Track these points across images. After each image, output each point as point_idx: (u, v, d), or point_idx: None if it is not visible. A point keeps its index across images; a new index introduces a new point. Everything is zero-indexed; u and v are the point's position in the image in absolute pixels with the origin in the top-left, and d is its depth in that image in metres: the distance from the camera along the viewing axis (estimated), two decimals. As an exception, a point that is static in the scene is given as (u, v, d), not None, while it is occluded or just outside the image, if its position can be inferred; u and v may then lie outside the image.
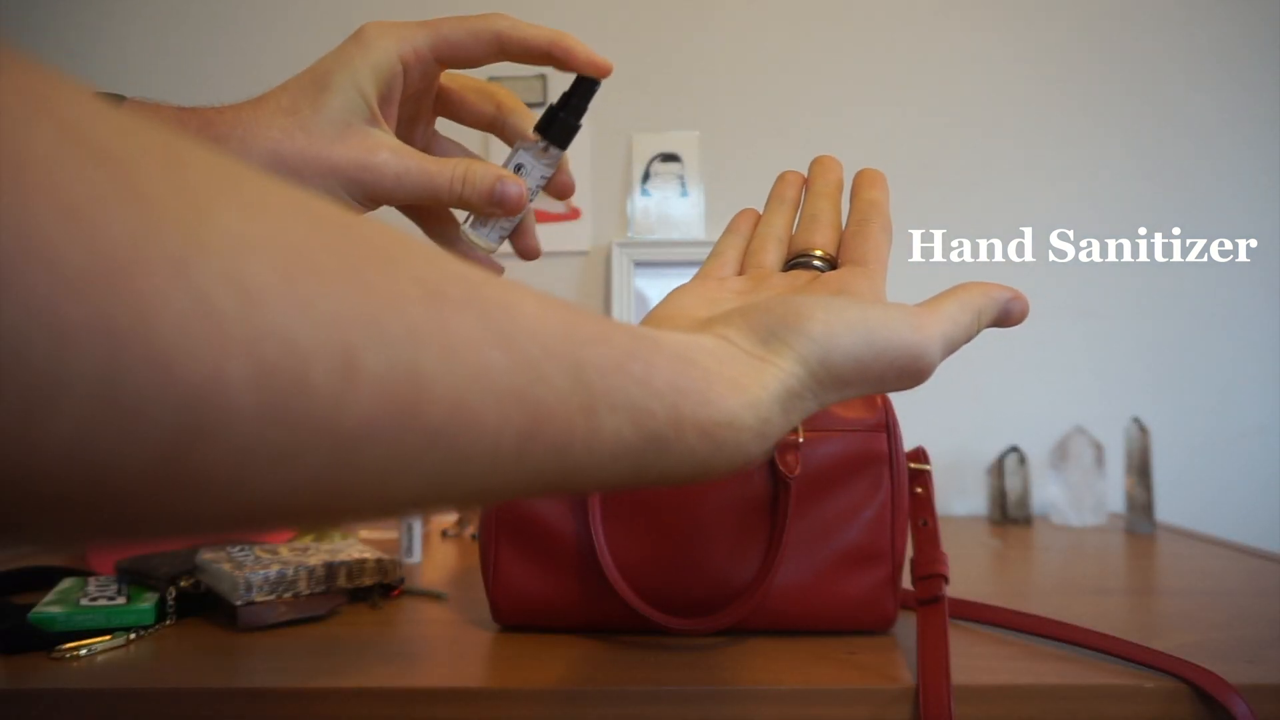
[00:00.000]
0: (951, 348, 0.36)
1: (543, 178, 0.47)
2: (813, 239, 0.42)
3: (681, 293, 0.40)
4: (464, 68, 0.47)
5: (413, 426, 0.20)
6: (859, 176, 0.45)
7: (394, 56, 0.45)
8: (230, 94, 1.41)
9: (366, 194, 0.45)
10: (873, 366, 0.33)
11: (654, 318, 0.38)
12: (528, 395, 0.23)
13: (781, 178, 0.48)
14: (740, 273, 0.43)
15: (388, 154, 0.45)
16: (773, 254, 0.43)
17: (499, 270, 0.52)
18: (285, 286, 0.17)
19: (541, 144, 0.47)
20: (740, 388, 0.30)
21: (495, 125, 0.50)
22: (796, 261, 0.42)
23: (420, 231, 0.55)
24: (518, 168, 0.47)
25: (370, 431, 0.19)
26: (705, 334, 0.32)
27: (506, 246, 0.51)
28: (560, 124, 0.47)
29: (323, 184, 0.44)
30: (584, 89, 0.47)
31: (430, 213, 0.53)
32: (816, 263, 0.41)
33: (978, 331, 0.37)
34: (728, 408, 0.29)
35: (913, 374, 0.34)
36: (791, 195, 0.47)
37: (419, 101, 0.50)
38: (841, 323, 0.32)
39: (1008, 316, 0.39)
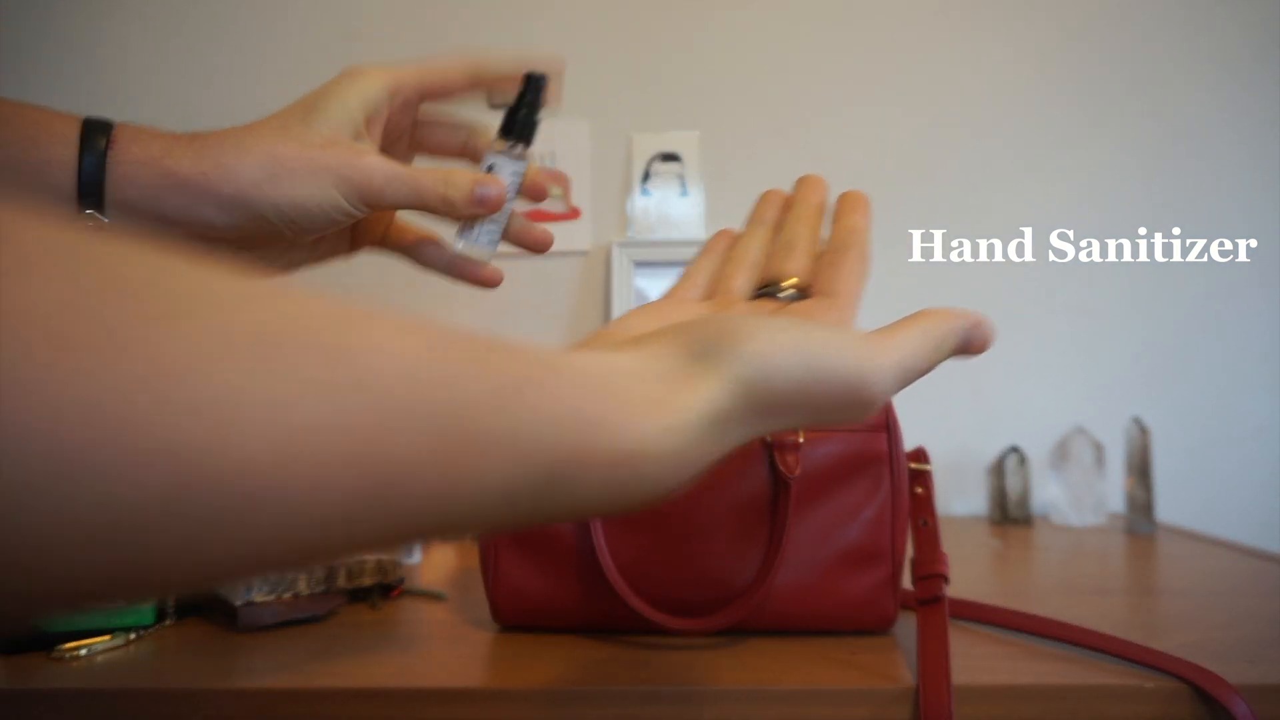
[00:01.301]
0: (906, 378, 0.33)
1: (515, 174, 0.50)
2: (784, 266, 0.40)
3: (637, 311, 0.38)
4: (443, 99, 0.50)
5: (221, 495, 0.18)
6: (841, 200, 0.43)
7: (380, 86, 0.47)
8: (230, 92, 1.41)
9: (359, 194, 0.46)
10: (813, 392, 0.30)
11: (595, 335, 0.37)
12: (374, 451, 0.21)
13: (763, 197, 0.46)
14: (709, 297, 0.41)
15: (376, 159, 0.46)
16: (742, 280, 0.41)
17: (496, 281, 0.52)
18: (45, 357, 0.15)
19: (508, 144, 0.49)
20: (658, 410, 0.27)
21: (468, 150, 0.53)
22: (764, 290, 0.40)
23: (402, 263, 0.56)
24: (490, 169, 0.49)
25: (165, 505, 0.17)
26: (629, 352, 0.30)
27: (513, 249, 0.54)
28: (521, 122, 0.49)
29: (317, 185, 0.44)
30: (534, 85, 0.49)
31: (419, 240, 0.54)
32: (783, 294, 0.39)
33: (939, 361, 0.35)
34: (640, 433, 0.27)
35: (858, 404, 0.31)
36: (770, 217, 0.44)
37: (399, 138, 0.52)
38: (780, 344, 0.30)
39: (969, 345, 0.36)
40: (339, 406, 0.20)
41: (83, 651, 0.57)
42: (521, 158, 0.49)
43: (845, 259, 0.39)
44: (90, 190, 0.42)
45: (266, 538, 0.19)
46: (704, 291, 0.42)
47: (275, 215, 0.45)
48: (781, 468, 0.58)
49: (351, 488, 0.20)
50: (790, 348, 0.30)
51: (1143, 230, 1.32)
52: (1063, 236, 1.32)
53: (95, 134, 0.43)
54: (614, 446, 0.26)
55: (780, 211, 0.44)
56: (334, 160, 0.45)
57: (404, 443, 0.21)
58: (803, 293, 0.39)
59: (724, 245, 0.44)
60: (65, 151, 0.42)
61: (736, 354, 0.29)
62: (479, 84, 0.50)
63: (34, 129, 0.43)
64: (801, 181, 0.45)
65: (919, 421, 1.22)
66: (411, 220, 0.54)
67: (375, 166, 0.46)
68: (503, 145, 0.49)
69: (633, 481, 0.27)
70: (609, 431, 0.26)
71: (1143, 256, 1.32)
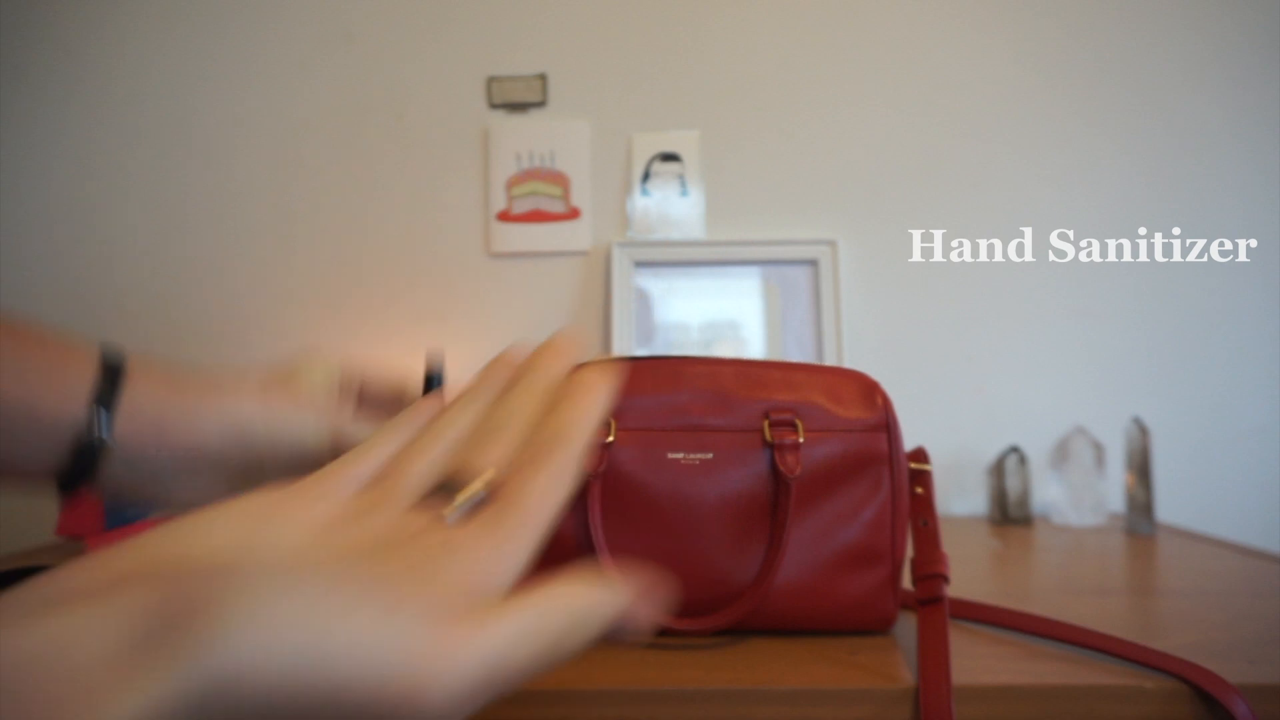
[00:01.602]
0: (491, 686, 0.24)
1: None
2: (479, 457, 0.31)
3: (232, 507, 0.27)
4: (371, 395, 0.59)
5: None
6: (570, 378, 0.34)
7: (336, 365, 0.56)
8: (229, 93, 1.41)
9: (337, 442, 0.52)
10: (311, 710, 0.20)
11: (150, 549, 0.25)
12: None
13: (492, 362, 0.36)
14: (376, 484, 0.30)
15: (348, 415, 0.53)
16: (423, 465, 0.31)
17: None
18: None
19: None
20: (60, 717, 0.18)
21: (400, 403, 0.59)
22: (444, 486, 0.30)
23: None
24: None
25: None
26: (77, 613, 0.20)
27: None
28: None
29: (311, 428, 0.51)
30: (433, 379, 0.61)
31: None
32: (461, 498, 0.29)
33: (558, 657, 0.26)
34: None
35: None
36: (495, 386, 0.34)
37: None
38: (281, 635, 0.20)
39: (623, 626, 0.28)
40: None
41: (82, 652, 0.57)
42: None
43: (543, 465, 0.30)
44: (86, 460, 0.44)
45: None
46: (376, 472, 0.31)
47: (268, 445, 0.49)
48: (781, 468, 0.58)
49: None
50: (293, 644, 0.20)
51: (1143, 230, 1.32)
52: (1063, 236, 1.32)
53: (105, 392, 0.44)
54: None
55: (511, 380, 0.35)
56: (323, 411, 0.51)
57: None
58: (492, 495, 0.30)
59: (427, 415, 0.34)
60: (74, 407, 0.43)
61: (201, 641, 0.19)
62: (402, 399, 0.58)
63: (44, 377, 0.44)
64: (546, 345, 0.36)
65: (919, 421, 1.23)
66: None
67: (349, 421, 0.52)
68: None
69: None
70: None
71: (1143, 256, 1.32)
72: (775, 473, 0.59)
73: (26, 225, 1.37)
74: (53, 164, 1.38)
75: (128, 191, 1.37)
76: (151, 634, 0.19)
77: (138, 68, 1.38)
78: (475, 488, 0.29)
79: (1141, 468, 1.09)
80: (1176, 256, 1.32)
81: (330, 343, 1.34)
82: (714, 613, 0.58)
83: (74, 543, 0.97)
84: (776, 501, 0.59)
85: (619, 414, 0.60)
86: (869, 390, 0.62)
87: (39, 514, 1.25)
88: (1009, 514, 1.17)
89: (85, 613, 0.20)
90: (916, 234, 1.33)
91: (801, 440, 0.59)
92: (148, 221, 1.37)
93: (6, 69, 1.38)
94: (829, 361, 1.28)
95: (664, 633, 0.59)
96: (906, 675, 0.52)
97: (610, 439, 0.59)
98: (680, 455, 0.59)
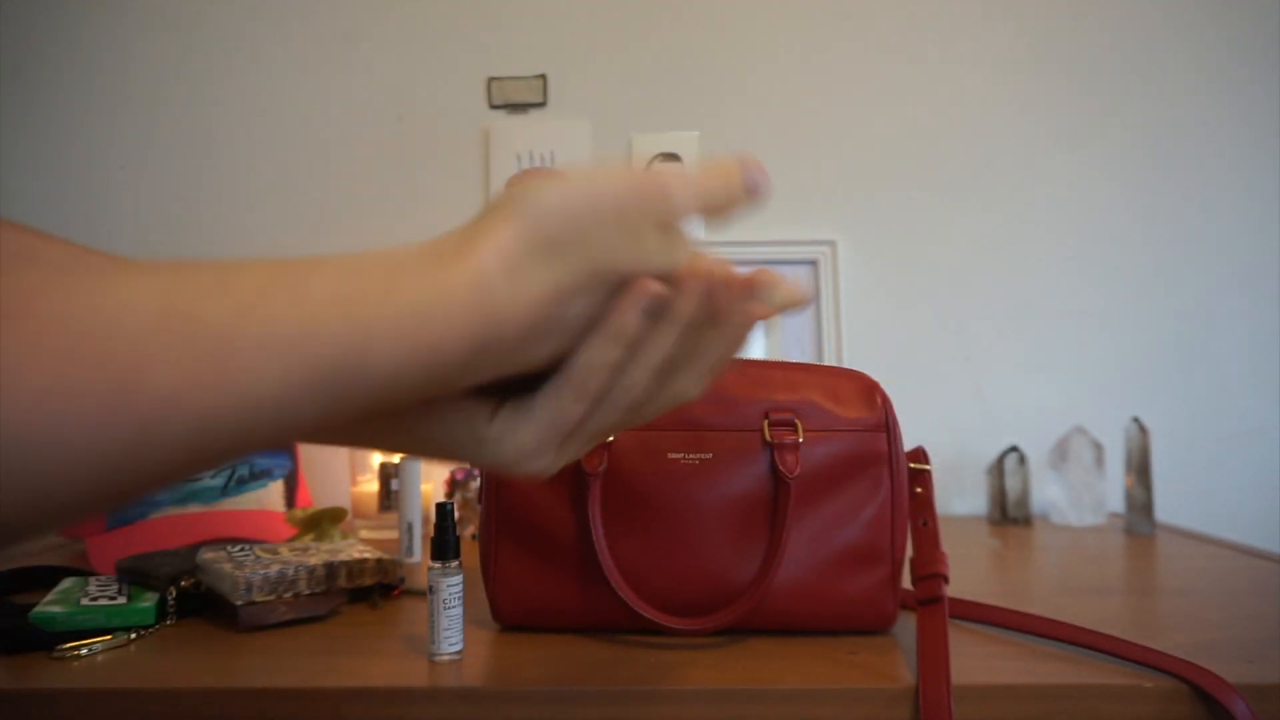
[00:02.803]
0: (698, 204, 0.32)
1: (452, 584, 0.56)
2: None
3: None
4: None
5: None
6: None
7: None
8: (229, 93, 1.41)
9: None
10: (590, 228, 0.30)
11: None
12: (120, 398, 0.22)
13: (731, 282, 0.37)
14: None
15: None
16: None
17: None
18: None
19: (443, 564, 0.57)
20: (437, 269, 0.28)
21: None
22: None
23: None
24: (431, 588, 0.57)
25: None
26: (418, 245, 0.30)
27: None
28: (449, 545, 0.57)
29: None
30: (445, 513, 0.58)
31: None
32: None
33: (725, 206, 0.33)
34: (420, 290, 0.27)
35: (634, 226, 0.30)
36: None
37: None
38: (563, 182, 0.30)
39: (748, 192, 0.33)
40: (74, 363, 0.22)
41: (83, 651, 0.57)
42: (457, 570, 0.57)
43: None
44: None
45: (40, 490, 0.22)
46: None
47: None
48: (781, 468, 0.58)
49: (109, 435, 0.22)
50: (568, 181, 0.30)
51: (1143, 230, 1.32)
52: (1062, 237, 1.32)
53: None
54: (396, 308, 0.27)
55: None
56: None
57: (152, 380, 0.23)
58: None
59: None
60: None
61: (521, 198, 0.29)
62: None
63: None
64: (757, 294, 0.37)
65: (919, 421, 1.23)
66: None
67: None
68: (439, 565, 0.57)
69: (433, 342, 0.27)
70: (378, 302, 0.26)
71: (1143, 257, 1.32)
72: (775, 473, 0.59)
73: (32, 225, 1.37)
74: (56, 164, 1.38)
75: (134, 192, 1.37)
76: (490, 212, 0.30)
77: (141, 70, 1.38)
78: None
79: (1141, 468, 1.09)
80: (1176, 257, 1.32)
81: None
82: (714, 613, 0.58)
83: (75, 543, 0.97)
84: (776, 501, 0.59)
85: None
86: (869, 390, 0.62)
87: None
88: (1009, 514, 1.17)
89: (442, 238, 0.29)
90: (916, 234, 1.33)
91: (801, 440, 0.59)
92: (150, 221, 1.37)
93: (11, 72, 1.38)
94: (829, 361, 1.28)
95: (664, 632, 0.59)
96: (906, 675, 0.52)
97: (610, 439, 0.59)
98: (680, 455, 0.59)
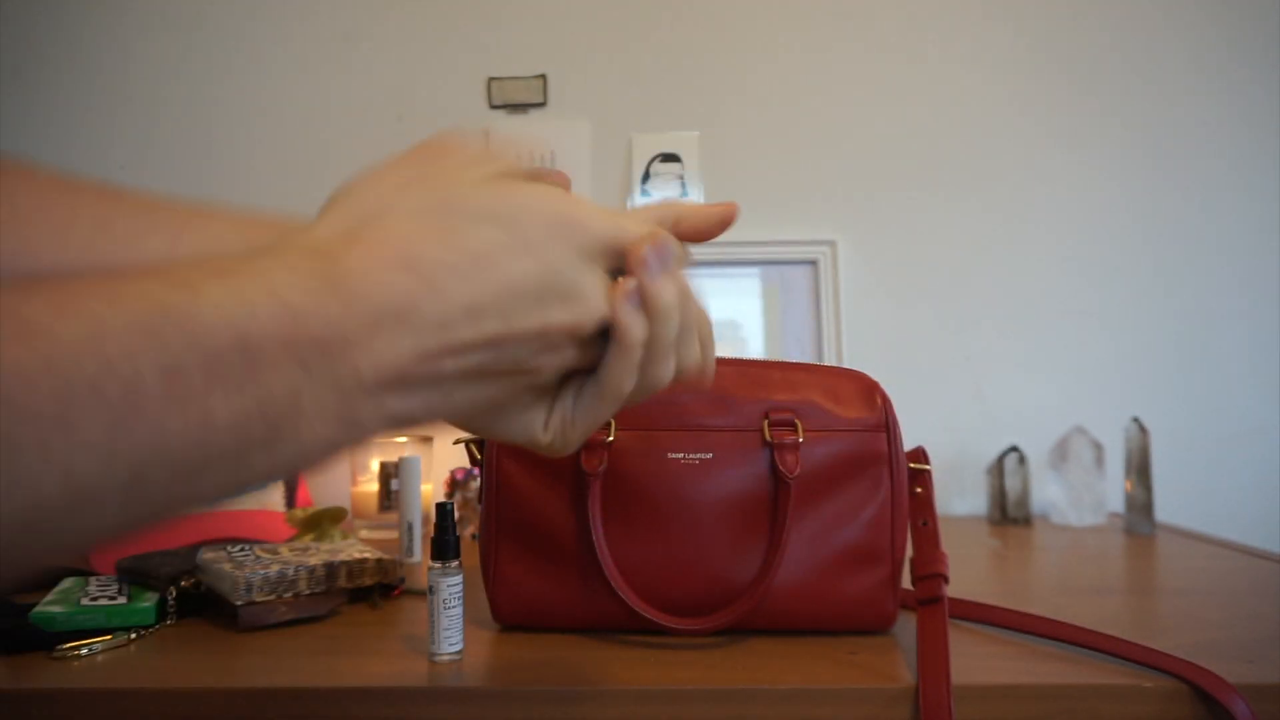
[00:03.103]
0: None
1: (452, 583, 0.56)
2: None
3: None
4: None
5: None
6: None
7: None
8: (229, 94, 1.41)
9: None
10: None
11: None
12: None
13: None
14: None
15: None
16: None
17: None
18: None
19: (443, 564, 0.57)
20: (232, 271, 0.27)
21: None
22: None
23: None
24: (431, 588, 0.56)
25: None
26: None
27: None
28: (449, 545, 0.57)
29: None
30: (445, 512, 0.58)
31: None
32: None
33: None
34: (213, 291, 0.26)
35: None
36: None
37: None
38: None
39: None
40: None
41: (83, 651, 0.57)
42: (457, 570, 0.57)
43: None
44: None
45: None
46: None
47: None
48: (781, 468, 0.58)
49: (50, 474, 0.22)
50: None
51: (1143, 230, 1.32)
52: (1062, 237, 1.32)
53: None
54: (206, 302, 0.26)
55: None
56: None
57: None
58: None
59: None
60: None
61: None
62: None
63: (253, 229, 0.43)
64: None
65: (919, 421, 1.22)
66: None
67: None
68: (439, 565, 0.57)
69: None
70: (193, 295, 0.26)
71: (1142, 257, 1.32)
72: (775, 472, 0.59)
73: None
74: (57, 164, 1.38)
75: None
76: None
77: (141, 70, 1.38)
78: None
79: (1141, 468, 1.09)
80: (1176, 257, 1.32)
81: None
82: (714, 613, 0.58)
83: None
84: (776, 501, 0.59)
85: (619, 414, 0.60)
86: (869, 390, 0.62)
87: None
88: (1009, 514, 1.17)
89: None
90: (916, 234, 1.33)
91: (801, 440, 0.59)
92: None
93: (12, 73, 1.38)
94: (829, 361, 1.28)
95: (664, 632, 0.59)
96: (906, 675, 0.52)
97: (610, 439, 0.60)
98: (680, 455, 0.59)
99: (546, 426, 0.36)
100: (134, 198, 0.41)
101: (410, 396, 0.30)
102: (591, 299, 0.32)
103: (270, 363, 0.26)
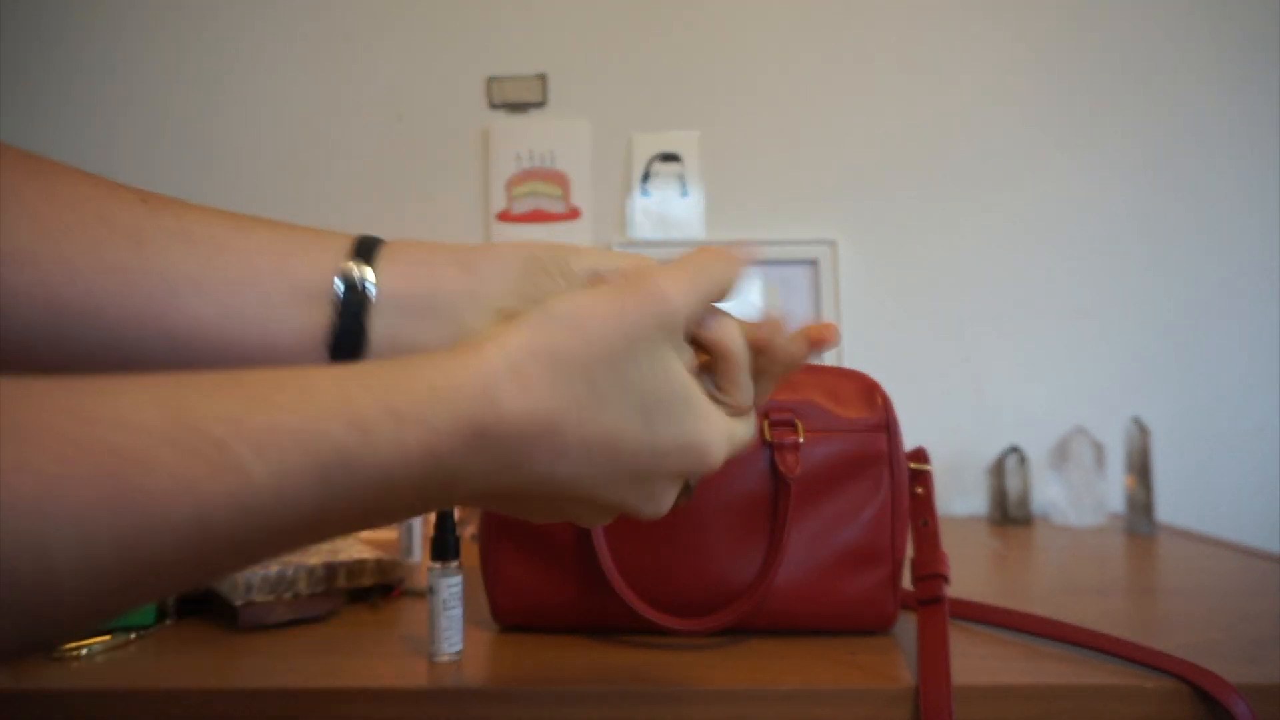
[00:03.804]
0: (696, 296, 0.36)
1: (452, 584, 0.56)
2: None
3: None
4: None
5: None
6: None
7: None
8: (235, 95, 1.41)
9: None
10: (600, 355, 0.33)
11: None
12: (127, 485, 0.24)
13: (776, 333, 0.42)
14: None
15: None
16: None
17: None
18: None
19: (443, 564, 0.57)
20: (437, 368, 0.30)
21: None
22: None
23: None
24: (431, 588, 0.56)
25: None
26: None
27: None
28: (449, 546, 0.57)
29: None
30: (446, 517, 0.58)
31: None
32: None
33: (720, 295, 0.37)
34: (421, 383, 0.29)
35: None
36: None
37: None
38: (576, 303, 0.34)
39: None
40: (71, 465, 0.23)
41: (83, 651, 0.57)
42: (457, 571, 0.57)
43: None
44: (352, 296, 0.38)
45: (37, 599, 0.23)
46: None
47: None
48: (781, 468, 0.58)
49: (107, 531, 0.24)
50: (591, 308, 0.34)
51: (1142, 230, 1.32)
52: (1063, 237, 1.32)
53: (366, 246, 0.41)
54: (399, 394, 0.30)
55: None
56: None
57: (150, 479, 0.24)
58: None
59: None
60: (332, 268, 0.40)
61: (541, 310, 0.34)
62: None
63: (306, 236, 0.42)
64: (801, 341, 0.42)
65: (919, 421, 1.22)
66: None
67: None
68: (439, 566, 0.56)
69: (425, 437, 0.29)
70: (378, 398, 0.29)
71: (1143, 257, 1.32)
72: (775, 473, 0.59)
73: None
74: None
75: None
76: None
77: (142, 71, 1.38)
78: None
79: (1141, 468, 1.09)
80: (1176, 257, 1.32)
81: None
82: (714, 613, 0.58)
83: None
84: (776, 501, 0.59)
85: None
86: (869, 390, 0.62)
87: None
88: (1009, 514, 1.17)
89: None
90: (916, 234, 1.33)
91: (801, 440, 0.59)
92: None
93: (13, 73, 1.38)
94: (829, 361, 1.28)
95: (664, 632, 0.59)
96: (906, 675, 0.52)
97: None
98: (680, 455, 0.59)
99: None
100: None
101: (481, 501, 0.36)
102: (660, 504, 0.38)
103: (400, 496, 0.30)
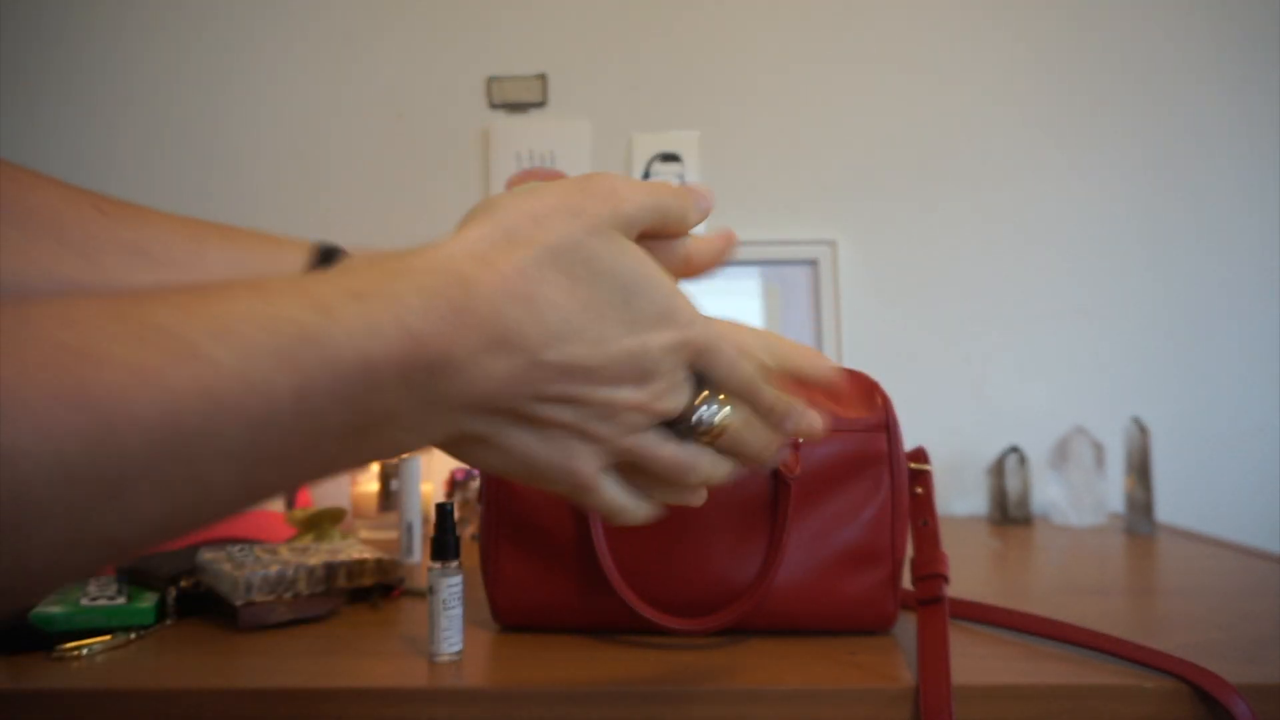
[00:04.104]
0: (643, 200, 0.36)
1: (452, 583, 0.56)
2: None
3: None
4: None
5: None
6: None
7: None
8: (234, 95, 1.41)
9: None
10: (538, 217, 0.33)
11: None
12: (80, 382, 0.23)
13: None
14: None
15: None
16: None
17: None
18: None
19: (443, 564, 0.57)
20: (393, 263, 0.30)
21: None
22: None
23: None
24: (431, 588, 0.56)
25: None
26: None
27: None
28: (449, 546, 0.57)
29: None
30: (445, 513, 0.58)
31: None
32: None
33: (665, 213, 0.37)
34: (383, 272, 0.29)
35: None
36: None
37: None
38: (524, 194, 0.35)
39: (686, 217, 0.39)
40: (26, 363, 0.23)
41: (83, 651, 0.57)
42: (457, 571, 0.57)
43: None
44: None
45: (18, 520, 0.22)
46: None
47: None
48: (781, 468, 0.58)
49: (72, 435, 0.23)
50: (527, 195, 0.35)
51: (1143, 230, 1.32)
52: (1063, 237, 1.32)
53: (325, 257, 0.42)
54: (347, 291, 0.29)
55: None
56: None
57: (107, 373, 0.24)
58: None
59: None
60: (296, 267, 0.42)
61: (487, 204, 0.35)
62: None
63: (265, 246, 0.43)
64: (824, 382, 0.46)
65: (919, 421, 1.23)
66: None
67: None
68: (439, 566, 0.56)
69: (398, 315, 0.29)
70: (333, 283, 0.29)
71: (1143, 257, 1.32)
72: (775, 472, 0.59)
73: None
74: (57, 166, 1.38)
75: (135, 193, 1.37)
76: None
77: (142, 71, 1.38)
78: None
79: (1141, 468, 1.09)
80: (1176, 257, 1.32)
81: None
82: (714, 613, 0.58)
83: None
84: (776, 501, 0.59)
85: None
86: (869, 390, 0.62)
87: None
88: (1009, 514, 1.17)
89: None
90: (916, 234, 1.33)
91: (801, 440, 0.59)
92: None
93: (13, 74, 1.38)
94: (829, 361, 1.28)
95: (664, 632, 0.59)
96: (906, 675, 0.52)
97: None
98: (680, 455, 0.59)
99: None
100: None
101: (481, 421, 0.32)
102: (673, 398, 0.36)
103: (385, 383, 0.28)
